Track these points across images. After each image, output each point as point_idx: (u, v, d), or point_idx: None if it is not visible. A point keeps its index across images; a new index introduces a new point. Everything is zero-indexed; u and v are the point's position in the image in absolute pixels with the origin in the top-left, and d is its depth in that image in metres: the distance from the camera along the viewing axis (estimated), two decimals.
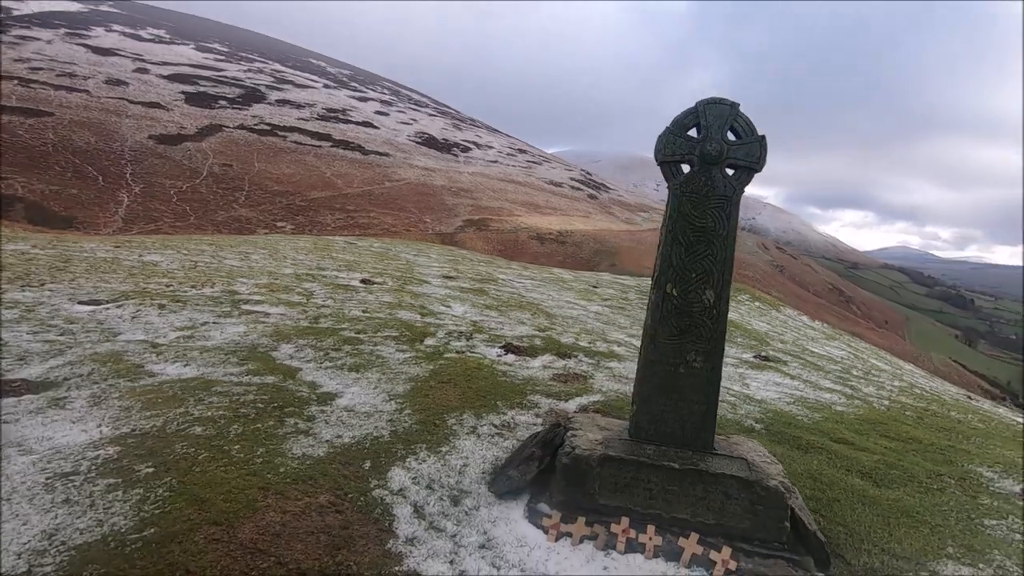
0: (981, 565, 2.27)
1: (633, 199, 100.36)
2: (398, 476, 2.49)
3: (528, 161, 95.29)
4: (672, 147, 2.30)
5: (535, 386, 3.95)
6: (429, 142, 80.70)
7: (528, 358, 4.83)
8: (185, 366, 3.68)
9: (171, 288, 6.12)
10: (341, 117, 74.03)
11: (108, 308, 5.03)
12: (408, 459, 2.65)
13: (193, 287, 6.31)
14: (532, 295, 9.11)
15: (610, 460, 2.27)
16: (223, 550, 1.81)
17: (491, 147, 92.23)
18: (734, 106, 2.25)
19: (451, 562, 2.00)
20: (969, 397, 9.81)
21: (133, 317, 4.82)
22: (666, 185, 2.38)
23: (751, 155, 2.25)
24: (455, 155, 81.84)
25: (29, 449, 2.43)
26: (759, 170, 2.26)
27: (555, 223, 74.10)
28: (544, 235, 69.58)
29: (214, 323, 4.88)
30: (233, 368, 3.66)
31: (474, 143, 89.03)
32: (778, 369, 5.99)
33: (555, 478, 2.35)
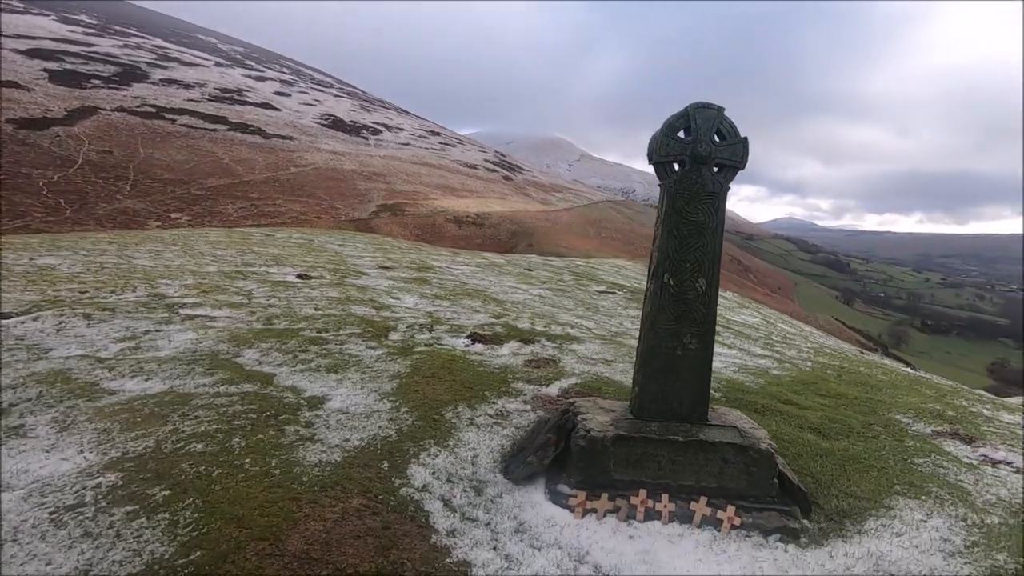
0: (923, 497, 2.72)
1: (547, 180, 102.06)
2: (418, 473, 2.55)
3: (441, 143, 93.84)
4: (666, 148, 2.49)
5: (513, 374, 4.09)
6: (336, 124, 77.19)
7: (495, 346, 4.96)
8: (147, 380, 3.45)
9: (87, 295, 5.59)
10: (237, 98, 68.85)
11: (22, 322, 4.55)
12: (421, 455, 2.71)
13: (112, 292, 5.81)
14: (474, 282, 9.19)
15: (622, 439, 2.47)
16: (279, 563, 1.81)
17: (402, 129, 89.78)
18: (720, 110, 2.47)
19: (494, 548, 2.12)
20: (862, 352, 11.17)
21: (58, 330, 4.40)
22: (658, 183, 2.58)
23: (736, 155, 2.49)
24: (365, 138, 78.96)
25: (7, 484, 2.23)
26: (743, 168, 2.51)
27: (472, 205, 73.93)
28: (462, 218, 69.29)
29: (156, 331, 4.57)
30: (203, 379, 3.49)
31: (384, 125, 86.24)
32: (716, 340, 6.54)
33: (571, 459, 2.52)
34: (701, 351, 2.60)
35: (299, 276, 8.07)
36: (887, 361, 10.73)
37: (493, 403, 3.47)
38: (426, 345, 4.73)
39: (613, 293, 9.73)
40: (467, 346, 4.88)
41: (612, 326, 6.66)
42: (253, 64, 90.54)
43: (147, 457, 2.43)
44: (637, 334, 6.30)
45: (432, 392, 3.50)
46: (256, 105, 69.99)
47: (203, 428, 2.73)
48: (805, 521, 2.44)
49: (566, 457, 2.58)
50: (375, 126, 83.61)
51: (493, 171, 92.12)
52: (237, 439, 2.64)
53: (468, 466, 2.69)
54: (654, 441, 2.49)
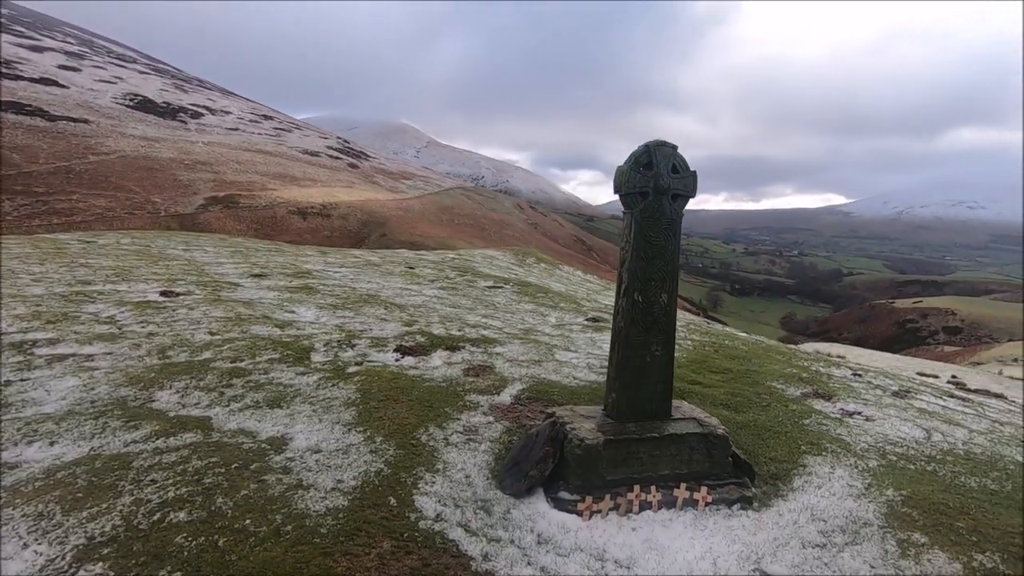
0: (823, 453, 3.44)
1: (395, 167, 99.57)
2: (427, 504, 2.58)
3: (276, 128, 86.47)
4: (633, 181, 2.79)
5: (460, 386, 4.18)
6: (146, 106, 67.25)
7: (425, 358, 4.97)
8: (52, 445, 2.95)
9: None
10: (6, 71, 56.66)
11: None
12: (420, 484, 2.73)
13: None
14: (363, 286, 8.89)
15: (611, 442, 2.76)
16: None
17: (229, 112, 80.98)
18: (674, 148, 2.83)
19: (528, 563, 2.27)
20: (708, 321, 12.95)
21: None
22: (624, 211, 2.88)
23: (688, 186, 2.88)
24: (183, 122, 69.92)
25: None
26: (693, 196, 2.91)
27: (317, 195, 69.72)
28: (306, 209, 65.03)
29: (22, 381, 3.85)
30: (128, 434, 3.07)
31: (206, 108, 77.04)
32: (601, 327, 7.19)
33: (568, 467, 2.75)
34: (666, 356, 2.98)
35: (163, 293, 7.14)
36: (725, 328, 12.60)
37: (457, 419, 3.56)
38: (357, 364, 4.59)
39: (501, 287, 10.08)
40: (398, 360, 4.83)
41: (518, 323, 6.98)
42: (24, 30, 74.75)
43: (125, 538, 2.14)
44: (545, 330, 6.69)
45: (396, 416, 3.48)
46: (34, 81, 58.30)
47: (172, 493, 2.45)
48: (755, 489, 2.96)
49: (561, 466, 2.80)
50: (195, 108, 74.36)
51: (337, 158, 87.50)
52: (220, 499, 2.42)
53: (467, 488, 2.78)
54: (636, 440, 2.82)
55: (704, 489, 2.79)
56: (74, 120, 55.56)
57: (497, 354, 5.24)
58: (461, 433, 3.36)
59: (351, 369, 4.43)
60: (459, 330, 6.13)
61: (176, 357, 4.48)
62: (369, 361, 4.72)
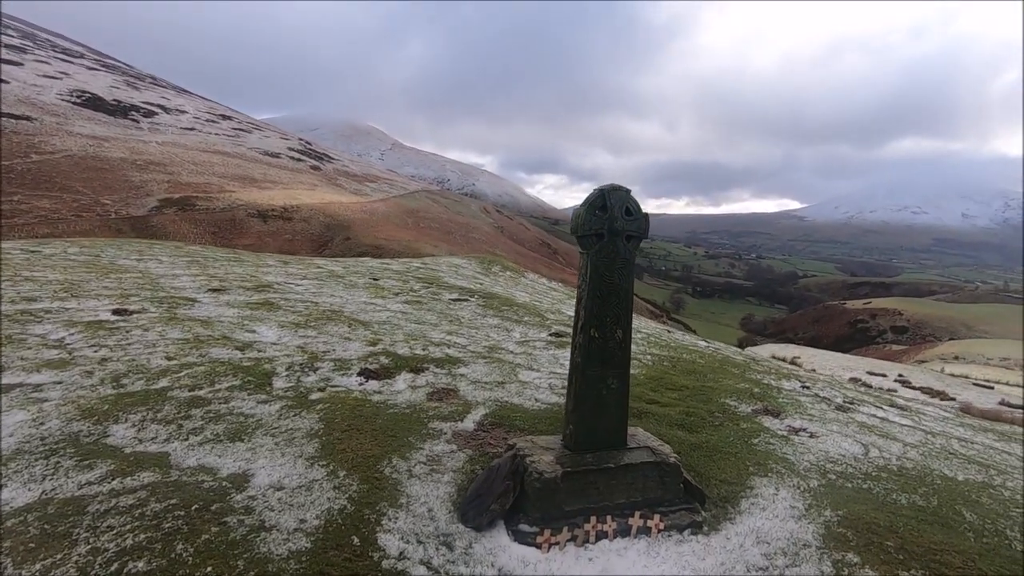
0: (769, 473, 3.64)
1: (359, 169, 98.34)
2: (390, 542, 2.63)
3: (235, 129, 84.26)
4: (590, 223, 2.92)
5: (424, 412, 4.24)
6: (94, 103, 64.61)
7: (389, 381, 5.00)
8: (1, 489, 2.87)
9: None
10: None
11: None
12: (383, 521, 2.78)
13: None
14: (325, 301, 8.81)
15: (569, 474, 2.87)
16: None
17: (184, 111, 78.57)
18: (628, 191, 2.97)
19: None
20: (668, 331, 13.29)
21: None
22: (580, 251, 3.01)
23: (640, 228, 3.02)
24: (136, 120, 67.50)
25: None
26: (646, 237, 3.06)
27: (278, 198, 68.25)
28: (266, 212, 63.58)
29: None
30: (83, 475, 3.01)
31: (161, 106, 74.54)
32: (563, 345, 7.34)
33: (528, 500, 2.84)
34: (621, 389, 3.11)
35: (116, 312, 6.94)
36: (684, 335, 12.98)
37: (421, 449, 3.61)
38: (319, 390, 4.58)
39: (467, 300, 10.14)
40: (361, 385, 4.84)
41: (482, 340, 7.06)
42: None
43: None
44: (509, 347, 6.79)
45: (359, 448, 3.51)
46: None
47: (130, 541, 2.43)
48: (704, 513, 3.12)
49: (521, 498, 2.89)
50: (148, 107, 71.87)
51: (299, 160, 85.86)
52: (181, 545, 2.42)
53: (429, 522, 2.85)
54: (593, 471, 2.94)
55: (657, 516, 2.93)
56: (15, 117, 53.01)
57: (461, 375, 5.30)
58: (424, 464, 3.42)
59: (314, 396, 4.42)
60: (423, 349, 6.17)
61: (131, 386, 4.38)
62: (332, 386, 4.72)
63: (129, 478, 3.00)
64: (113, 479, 2.98)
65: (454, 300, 10.08)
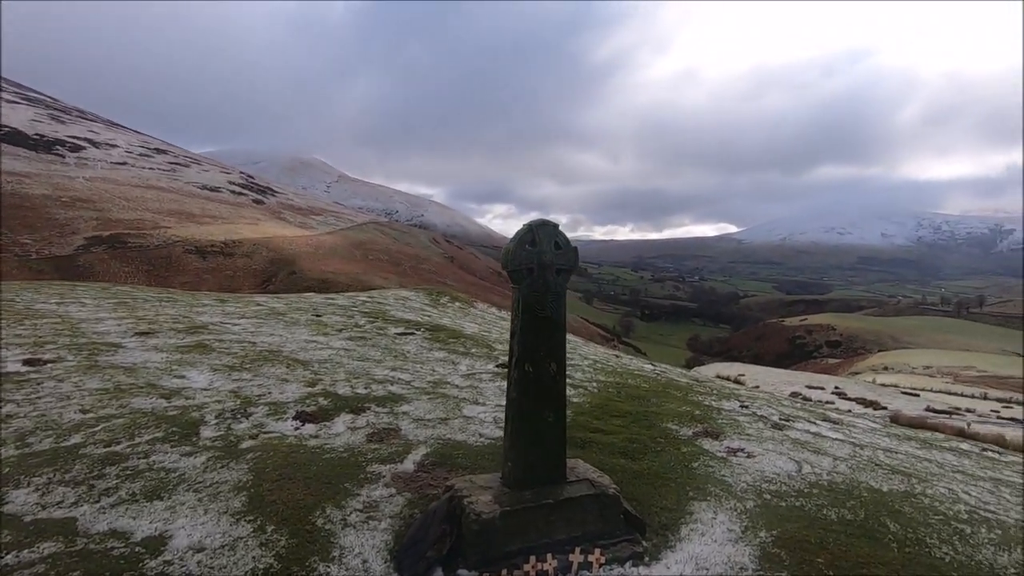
0: (708, 497, 3.69)
1: (304, 202, 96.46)
2: None
3: (171, 163, 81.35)
4: (519, 258, 2.95)
5: (362, 455, 4.09)
6: (14, 138, 61.08)
7: (327, 424, 4.81)
8: None
9: None
10: None
11: None
12: None
13: None
14: (264, 340, 8.47)
15: (508, 514, 2.82)
16: None
17: (115, 145, 75.29)
18: (556, 226, 3.03)
19: None
20: (617, 355, 13.49)
21: None
22: (512, 286, 3.02)
23: (570, 260, 3.08)
24: (61, 155, 64.13)
25: None
26: (575, 270, 3.11)
27: (218, 233, 65.93)
28: (205, 248, 61.25)
29: None
30: None
31: (89, 140, 71.17)
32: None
33: (465, 543, 2.76)
34: (558, 422, 3.11)
35: (26, 362, 6.42)
36: (632, 359, 13.21)
37: (357, 495, 3.47)
38: (251, 438, 4.36)
39: (412, 334, 9.98)
40: (297, 429, 4.64)
41: (428, 375, 6.94)
42: None
43: None
44: (455, 381, 6.72)
45: (291, 498, 3.33)
46: None
47: None
48: (645, 543, 3.13)
49: (459, 541, 2.81)
50: (75, 141, 68.47)
51: (241, 194, 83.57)
52: None
53: (363, 575, 2.72)
54: (532, 508, 2.90)
55: (598, 551, 2.91)
56: None
57: (403, 413, 5.18)
58: (360, 511, 3.28)
59: (245, 444, 4.20)
60: (365, 388, 6.00)
61: (38, 444, 4.03)
62: (265, 433, 4.49)
63: (27, 551, 2.73)
64: (8, 554, 2.70)
65: (400, 334, 9.90)
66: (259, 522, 3.07)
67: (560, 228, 3.03)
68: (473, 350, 8.99)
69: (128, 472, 3.63)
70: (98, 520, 3.06)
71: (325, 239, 74.65)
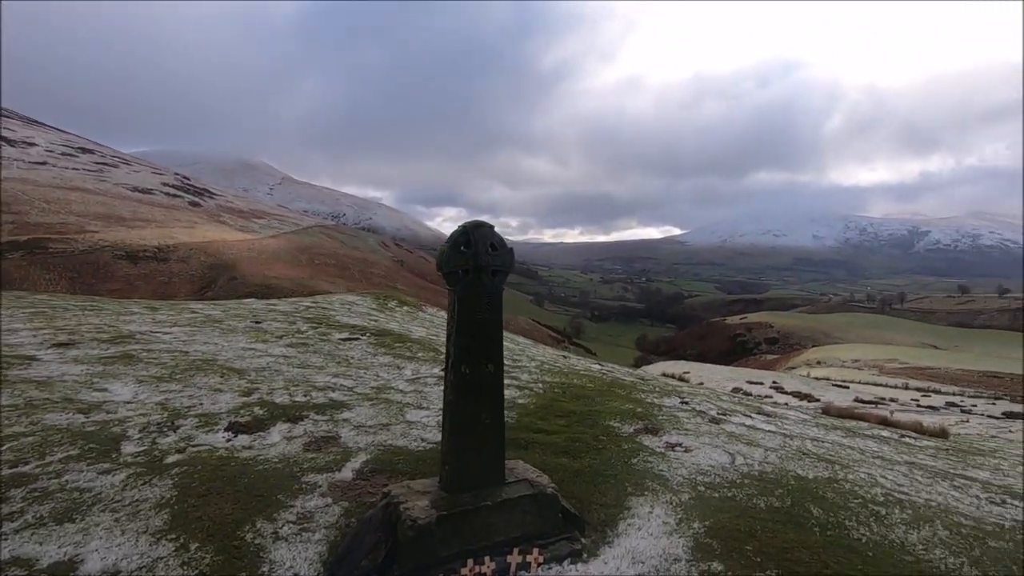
0: (645, 492, 3.78)
1: (246, 205, 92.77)
2: None
3: (98, 163, 76.60)
4: (454, 261, 2.92)
5: (298, 465, 3.95)
6: None
7: (262, 434, 4.62)
8: None
9: None
10: None
11: None
12: None
13: None
14: (197, 349, 8.06)
15: (444, 518, 2.78)
16: None
17: (33, 144, 70.23)
18: (491, 227, 3.02)
19: None
20: (565, 356, 13.64)
21: None
22: (448, 288, 3.00)
23: (506, 262, 3.08)
24: None
25: None
26: (512, 271, 3.11)
27: (150, 237, 62.67)
28: (137, 253, 58.08)
29: None
30: None
31: (3, 138, 66.11)
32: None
33: (401, 550, 2.71)
34: (496, 424, 3.10)
35: None
36: (580, 360, 13.40)
37: (291, 507, 3.34)
38: (178, 451, 4.13)
39: (357, 339, 9.76)
40: (229, 441, 4.43)
41: (371, 381, 6.79)
42: None
43: None
44: (399, 386, 6.61)
45: (218, 513, 3.17)
46: None
47: None
48: (584, 540, 3.16)
49: (395, 548, 2.75)
50: None
51: (176, 196, 79.66)
52: None
53: None
54: (470, 511, 2.88)
55: (536, 550, 2.92)
56: None
57: (344, 420, 5.04)
58: (294, 523, 3.16)
59: (171, 459, 3.97)
60: (305, 395, 5.81)
61: None
62: (194, 446, 4.27)
63: None
64: None
65: (344, 340, 9.66)
66: (182, 540, 2.90)
67: (495, 229, 3.03)
68: (420, 354, 8.88)
69: (36, 494, 3.36)
70: None
71: (268, 243, 72.10)
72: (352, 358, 8.20)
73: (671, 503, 3.64)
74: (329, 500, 3.46)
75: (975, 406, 34.35)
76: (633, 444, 4.83)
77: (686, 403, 7.09)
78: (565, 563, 2.97)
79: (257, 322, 11.09)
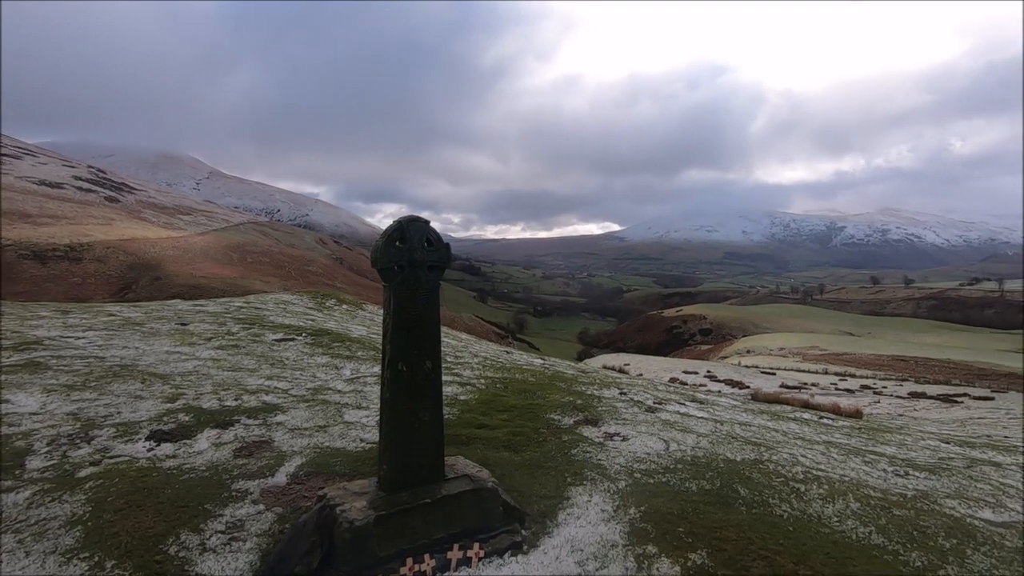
0: (584, 482, 3.86)
1: (170, 201, 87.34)
2: None
3: None
4: (388, 256, 2.87)
5: (228, 472, 3.77)
6: None
7: (188, 441, 4.37)
8: None
9: None
10: None
11: None
12: None
13: None
14: (115, 354, 7.52)
15: (382, 519, 2.73)
16: None
17: None
18: (427, 222, 2.99)
19: None
20: (508, 352, 13.71)
21: None
22: (383, 284, 2.94)
23: (442, 257, 3.05)
24: None
25: None
26: (448, 267, 3.09)
27: (61, 235, 58.15)
28: (45, 252, 53.81)
29: None
30: None
31: None
32: None
33: (337, 553, 2.64)
34: (434, 420, 3.08)
35: None
36: (523, 355, 13.52)
37: (219, 516, 3.19)
38: (92, 464, 3.84)
39: (293, 339, 9.42)
40: (151, 451, 4.17)
41: (308, 382, 6.58)
42: None
43: None
44: (337, 386, 6.45)
45: (137, 528, 2.98)
46: None
47: None
48: (524, 532, 3.20)
49: (331, 552, 2.68)
50: None
51: (89, 191, 74.11)
52: None
53: None
54: (409, 510, 2.84)
55: (476, 545, 2.92)
56: None
57: (278, 424, 4.86)
58: (222, 533, 3.02)
59: (84, 472, 3.69)
60: (236, 400, 5.55)
61: None
62: (111, 457, 3.99)
63: None
64: None
65: (279, 340, 9.29)
66: (96, 558, 2.71)
67: (431, 224, 3.00)
68: (359, 353, 8.67)
69: None
70: None
71: (196, 241, 68.28)
72: (287, 359, 7.90)
73: (609, 491, 3.74)
74: (261, 507, 3.33)
75: (885, 388, 37.35)
76: (573, 435, 4.93)
77: (624, 394, 7.30)
78: (506, 555, 2.99)
79: (183, 324, 10.48)
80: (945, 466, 5.25)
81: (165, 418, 4.83)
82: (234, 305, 14.55)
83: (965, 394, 33.42)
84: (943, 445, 6.79)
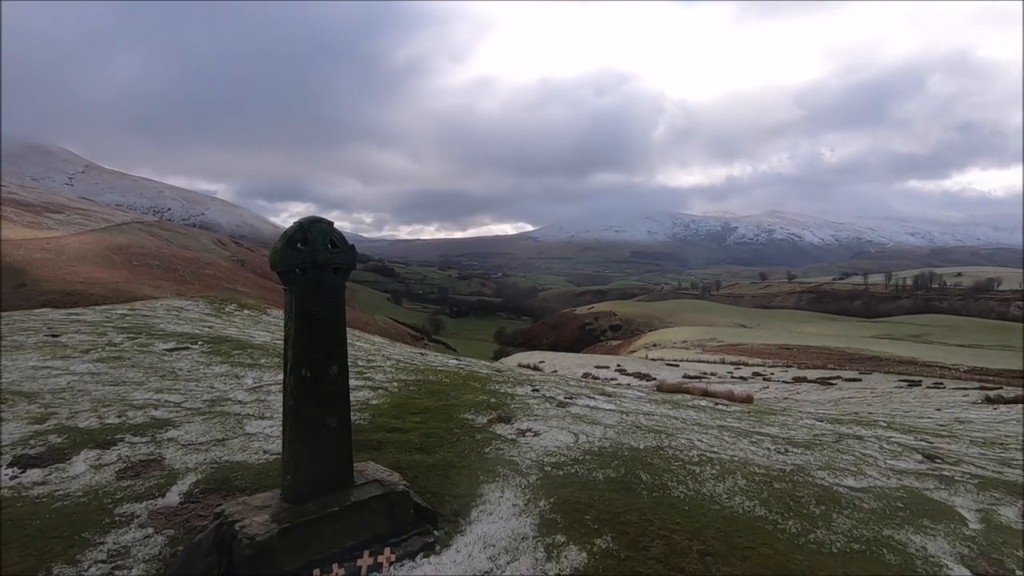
0: (497, 479, 3.92)
1: (37, 197, 77.64)
2: None
3: None
4: (288, 259, 2.75)
5: (110, 495, 3.44)
6: None
7: (61, 465, 3.94)
8: None
9: None
10: None
11: None
12: None
13: None
14: None
15: (287, 531, 2.63)
16: None
17: None
18: (330, 223, 2.90)
19: None
20: (423, 354, 13.56)
21: None
22: (284, 288, 2.82)
23: (347, 259, 2.97)
24: None
25: None
26: (354, 268, 3.02)
27: None
28: None
29: None
30: None
31: None
32: None
33: (237, 571, 2.50)
34: (342, 426, 3.00)
35: None
36: (438, 356, 13.45)
37: (100, 544, 2.91)
38: None
39: (187, 348, 8.73)
40: (15, 478, 3.71)
41: (204, 393, 6.14)
42: None
43: None
44: (238, 397, 6.10)
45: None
46: None
47: None
48: (437, 532, 3.20)
49: (230, 570, 2.54)
50: None
51: None
52: None
53: None
54: (316, 520, 2.75)
55: (388, 550, 2.89)
56: None
57: (169, 440, 4.50)
58: (104, 562, 2.76)
59: None
60: (119, 416, 5.06)
61: None
62: None
63: None
64: None
65: (170, 350, 8.58)
66: None
67: (335, 225, 2.93)
68: (262, 361, 8.22)
69: None
70: None
71: (70, 242, 61.28)
72: (180, 370, 7.32)
73: (520, 486, 3.83)
74: (150, 530, 3.08)
75: (773, 374, 40.98)
76: (486, 434, 4.99)
77: (537, 391, 7.48)
78: (418, 558, 2.98)
79: (54, 335, 9.39)
80: (818, 442, 5.87)
81: (32, 441, 4.31)
82: (117, 313, 13.25)
83: (838, 377, 37.47)
84: (818, 423, 7.59)
